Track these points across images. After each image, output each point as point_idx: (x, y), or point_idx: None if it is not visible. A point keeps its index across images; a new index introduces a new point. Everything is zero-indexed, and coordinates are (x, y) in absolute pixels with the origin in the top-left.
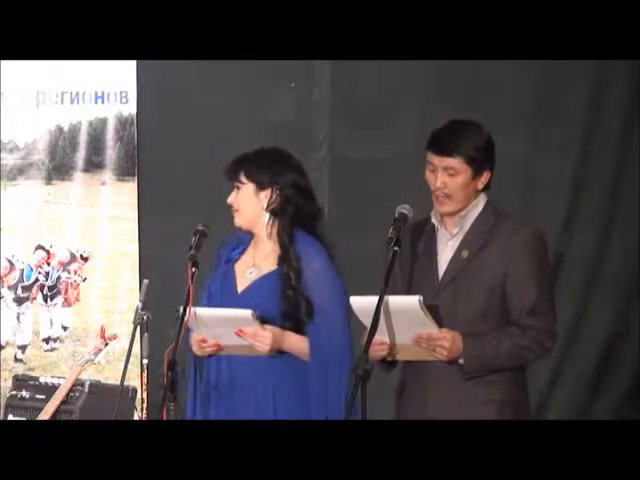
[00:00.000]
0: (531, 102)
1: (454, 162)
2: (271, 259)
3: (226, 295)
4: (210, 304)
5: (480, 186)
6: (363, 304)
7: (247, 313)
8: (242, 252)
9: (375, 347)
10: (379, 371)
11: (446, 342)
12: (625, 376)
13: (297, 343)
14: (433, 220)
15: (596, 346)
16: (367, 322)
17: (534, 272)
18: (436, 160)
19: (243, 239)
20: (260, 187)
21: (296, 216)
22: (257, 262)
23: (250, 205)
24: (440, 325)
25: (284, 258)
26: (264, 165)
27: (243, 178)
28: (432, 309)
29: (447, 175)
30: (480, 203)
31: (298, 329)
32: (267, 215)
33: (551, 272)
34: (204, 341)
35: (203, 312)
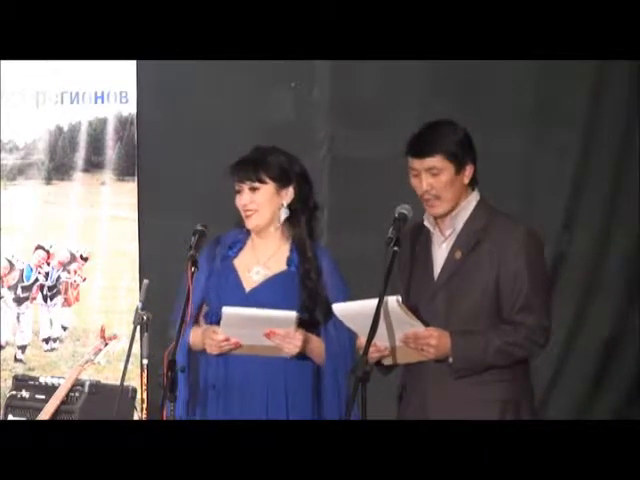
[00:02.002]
0: (531, 102)
1: (435, 161)
2: (278, 258)
3: (231, 293)
4: (210, 300)
5: (466, 181)
6: (345, 310)
7: (292, 315)
8: (239, 250)
9: (371, 350)
10: (378, 372)
11: (432, 340)
12: (625, 376)
13: (317, 345)
14: (426, 223)
15: (596, 346)
16: (353, 326)
17: (526, 269)
18: (417, 164)
19: (239, 237)
20: (282, 185)
21: (312, 212)
22: (262, 261)
23: (271, 204)
24: (425, 323)
25: (302, 255)
26: (280, 163)
27: (265, 178)
28: (417, 307)
29: (431, 176)
30: (472, 202)
31: (312, 329)
32: (284, 213)
33: (547, 269)
34: (227, 340)
35: (241, 312)
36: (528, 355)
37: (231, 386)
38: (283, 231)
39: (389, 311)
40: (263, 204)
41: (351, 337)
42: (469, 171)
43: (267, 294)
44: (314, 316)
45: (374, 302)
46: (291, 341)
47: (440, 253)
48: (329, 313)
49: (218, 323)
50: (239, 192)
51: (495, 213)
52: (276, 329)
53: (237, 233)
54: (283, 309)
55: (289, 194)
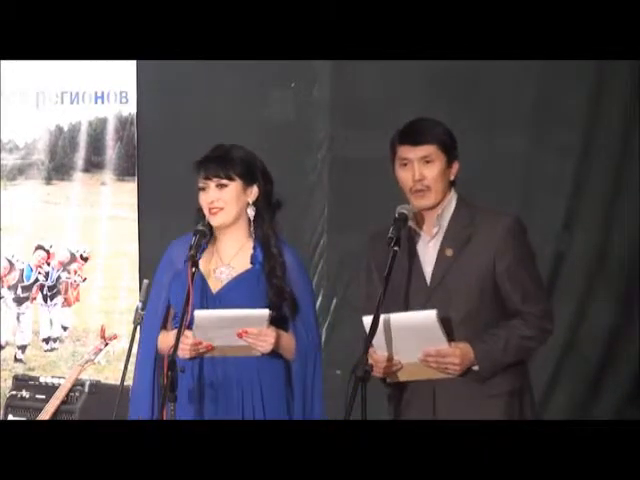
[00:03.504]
0: (531, 102)
1: (430, 149)
2: (242, 257)
3: (198, 296)
4: (176, 304)
5: (452, 177)
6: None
7: (264, 313)
8: (202, 251)
9: (380, 364)
10: (385, 387)
11: (457, 358)
12: (625, 376)
13: (287, 341)
14: (411, 223)
15: (596, 346)
16: (379, 340)
17: (522, 259)
18: (410, 152)
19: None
20: (248, 183)
21: (275, 210)
22: (226, 261)
23: (238, 202)
24: (450, 338)
25: (266, 252)
26: (246, 161)
27: (233, 174)
28: (445, 321)
29: (424, 164)
30: (453, 199)
31: (279, 325)
32: (251, 211)
33: (535, 256)
34: (200, 343)
35: (213, 313)
36: (540, 344)
37: (205, 387)
38: (245, 229)
39: (425, 325)
40: (230, 201)
41: (318, 333)
42: (455, 168)
43: (234, 294)
44: (282, 312)
45: (403, 315)
46: (264, 339)
47: (428, 253)
48: (296, 309)
49: (187, 327)
50: (203, 189)
51: (475, 208)
52: (249, 328)
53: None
54: (251, 307)
55: (254, 192)
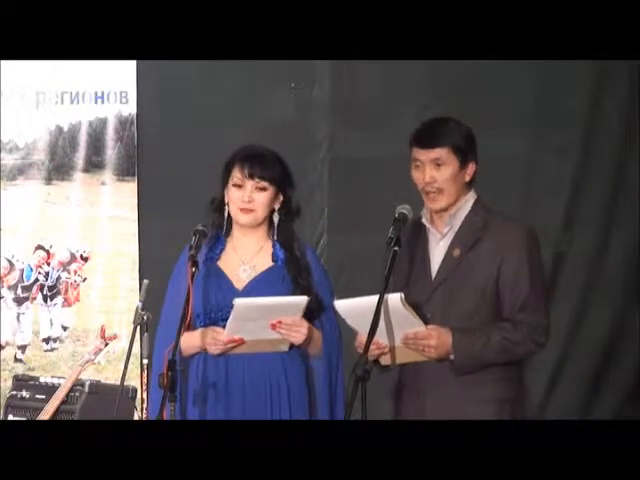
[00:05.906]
0: (531, 102)
1: (441, 152)
2: (263, 256)
3: (224, 294)
4: (199, 303)
5: (467, 178)
6: (347, 306)
7: (302, 299)
8: (221, 252)
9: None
10: (378, 371)
11: (432, 340)
12: (625, 376)
13: (317, 335)
14: (423, 220)
15: (596, 346)
16: (354, 324)
17: (525, 268)
18: (422, 155)
19: (219, 238)
20: (279, 190)
21: (296, 216)
22: (247, 260)
23: (269, 207)
24: (425, 322)
25: (290, 254)
26: (283, 167)
27: (273, 179)
28: (415, 305)
29: (435, 168)
30: (469, 201)
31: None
32: (276, 218)
33: (544, 268)
34: (230, 339)
35: (253, 301)
36: (527, 353)
37: (232, 386)
38: (266, 230)
39: (391, 309)
40: (262, 206)
41: (339, 331)
42: (471, 169)
43: (259, 290)
44: (309, 310)
45: (375, 298)
46: (298, 329)
47: (437, 251)
48: (321, 307)
49: (213, 324)
50: (240, 186)
51: (492, 212)
52: (283, 318)
53: (213, 234)
54: None
55: (280, 198)
